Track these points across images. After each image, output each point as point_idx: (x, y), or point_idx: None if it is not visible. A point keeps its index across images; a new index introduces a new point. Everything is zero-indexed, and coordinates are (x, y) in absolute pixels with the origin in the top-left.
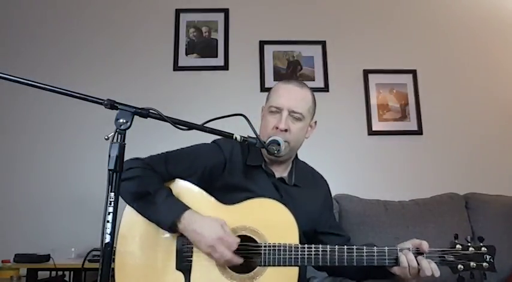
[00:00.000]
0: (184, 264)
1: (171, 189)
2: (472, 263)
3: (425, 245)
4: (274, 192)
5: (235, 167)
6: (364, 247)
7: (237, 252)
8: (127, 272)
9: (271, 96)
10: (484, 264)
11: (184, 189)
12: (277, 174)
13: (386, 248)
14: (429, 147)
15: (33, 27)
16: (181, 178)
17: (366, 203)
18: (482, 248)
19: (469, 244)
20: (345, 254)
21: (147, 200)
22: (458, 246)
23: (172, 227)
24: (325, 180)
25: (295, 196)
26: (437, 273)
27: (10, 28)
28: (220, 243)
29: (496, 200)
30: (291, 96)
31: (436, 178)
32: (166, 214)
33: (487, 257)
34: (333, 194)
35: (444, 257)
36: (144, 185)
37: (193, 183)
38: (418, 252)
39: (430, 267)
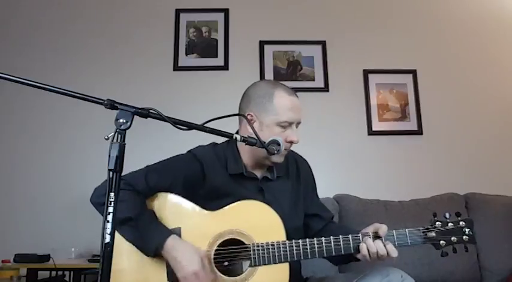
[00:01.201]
0: (175, 275)
1: (154, 212)
2: (453, 238)
3: (382, 231)
4: (256, 195)
5: (215, 174)
6: (340, 237)
7: (227, 256)
8: None
9: (281, 110)
10: (464, 237)
11: (168, 201)
12: (260, 175)
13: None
14: (429, 147)
15: (33, 27)
16: (164, 191)
17: (366, 203)
18: (461, 222)
19: (448, 220)
20: (323, 246)
21: (130, 225)
22: (438, 223)
23: (156, 254)
24: (305, 160)
25: (282, 190)
26: (394, 254)
27: (10, 28)
28: (194, 278)
29: (496, 200)
30: (299, 110)
31: (436, 178)
32: (149, 241)
33: (466, 230)
34: (333, 194)
35: (426, 234)
36: (126, 210)
37: (177, 194)
38: (376, 236)
39: (385, 249)
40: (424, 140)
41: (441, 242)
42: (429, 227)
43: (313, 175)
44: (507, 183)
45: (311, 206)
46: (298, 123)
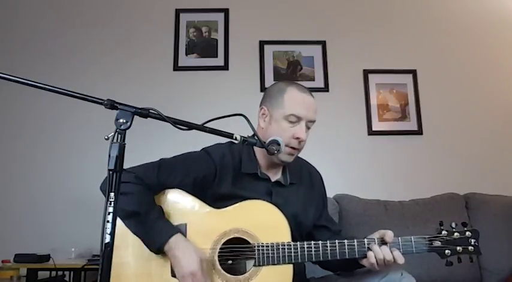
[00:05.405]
0: None
1: (161, 208)
2: (458, 248)
3: (388, 236)
4: (264, 197)
5: (227, 175)
6: (345, 241)
7: (231, 254)
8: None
9: (289, 104)
10: (470, 247)
11: (176, 197)
12: (273, 178)
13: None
14: (429, 147)
15: (33, 27)
16: (174, 187)
17: (366, 203)
18: (467, 232)
19: (454, 229)
20: (328, 248)
21: (137, 220)
22: (444, 232)
23: (160, 251)
24: (317, 171)
25: (293, 196)
26: (401, 260)
27: (10, 28)
28: (190, 278)
29: (496, 200)
30: (310, 107)
31: (436, 178)
32: (154, 238)
33: (472, 240)
34: (333, 194)
35: (432, 243)
36: (134, 204)
37: (186, 191)
38: (382, 242)
39: (392, 255)
40: (424, 140)
41: (446, 251)
42: (435, 235)
43: (324, 188)
44: (507, 183)
45: (320, 217)
46: (309, 121)
